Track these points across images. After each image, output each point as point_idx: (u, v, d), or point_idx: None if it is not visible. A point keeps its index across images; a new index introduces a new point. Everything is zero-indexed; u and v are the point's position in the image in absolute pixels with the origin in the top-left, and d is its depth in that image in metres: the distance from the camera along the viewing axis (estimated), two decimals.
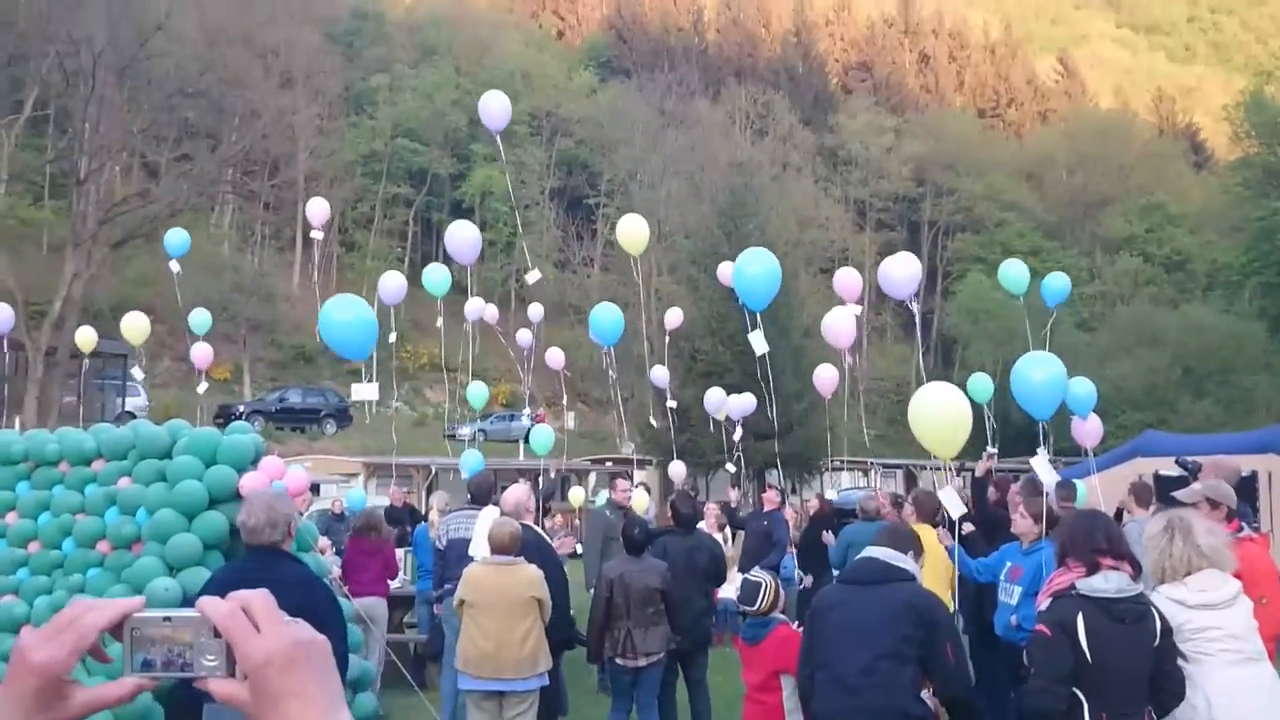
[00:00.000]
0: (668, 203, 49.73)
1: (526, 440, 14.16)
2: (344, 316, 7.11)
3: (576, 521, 18.77)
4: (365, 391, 8.11)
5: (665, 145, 53.29)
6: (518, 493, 7.55)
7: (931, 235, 64.77)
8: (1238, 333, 45.90)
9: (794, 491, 34.54)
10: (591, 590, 8.61)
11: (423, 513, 16.57)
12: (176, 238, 14.46)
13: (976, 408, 8.30)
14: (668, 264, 48.49)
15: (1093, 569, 4.16)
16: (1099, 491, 10.04)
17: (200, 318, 14.70)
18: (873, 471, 38.39)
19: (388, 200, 55.35)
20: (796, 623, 5.84)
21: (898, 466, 39.93)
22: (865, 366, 60.18)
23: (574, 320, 52.56)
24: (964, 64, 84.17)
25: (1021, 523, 6.84)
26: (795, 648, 4.98)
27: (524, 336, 16.42)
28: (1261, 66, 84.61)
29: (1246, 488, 11.08)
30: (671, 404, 16.42)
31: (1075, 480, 9.68)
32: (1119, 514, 8.83)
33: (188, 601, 4.04)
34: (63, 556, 7.24)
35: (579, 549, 12.00)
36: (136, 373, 18.64)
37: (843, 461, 38.41)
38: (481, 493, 8.68)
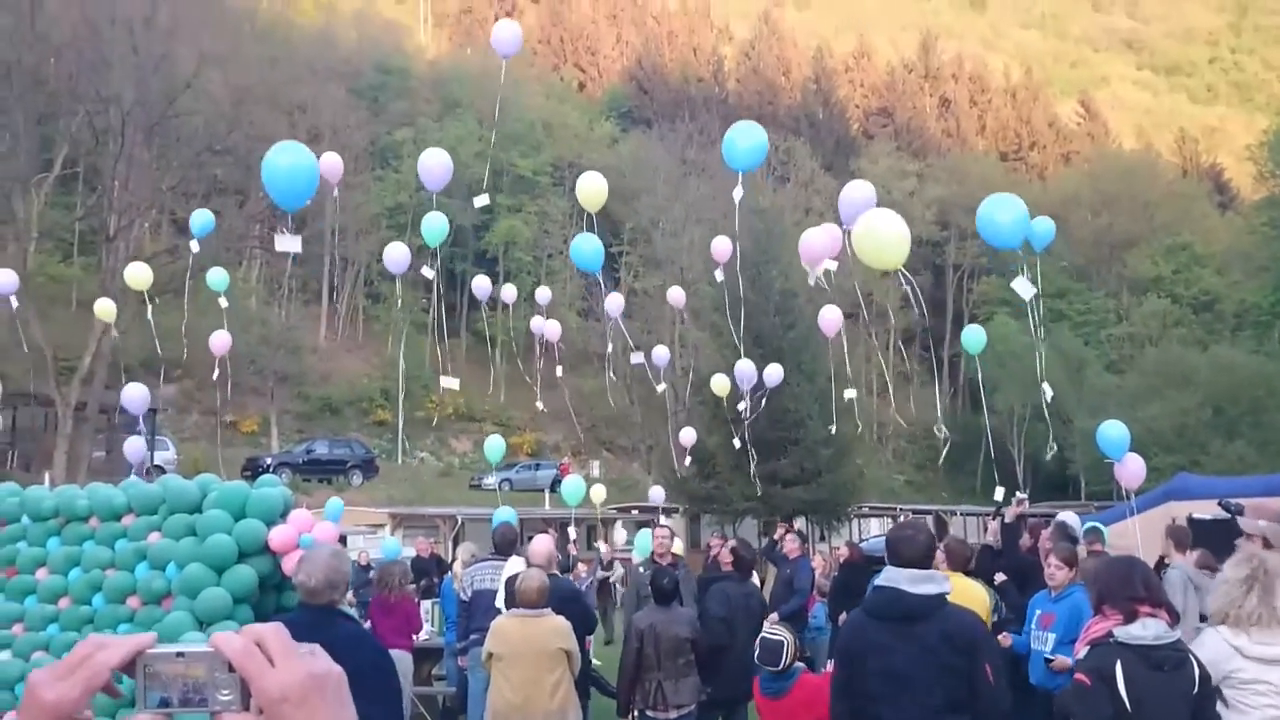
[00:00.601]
0: (690, 250, 49.89)
1: (553, 489, 14.16)
2: (284, 160, 7.13)
3: (600, 570, 18.68)
4: (288, 243, 7.82)
5: (687, 193, 53.57)
6: (546, 543, 7.53)
7: (956, 279, 64.69)
8: (1268, 372, 45.50)
9: (822, 539, 34.27)
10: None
11: (450, 563, 16.54)
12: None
13: (970, 360, 8.77)
14: (691, 310, 48.57)
15: (1130, 617, 4.09)
16: (1138, 536, 9.88)
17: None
18: (901, 518, 38.02)
19: (412, 252, 55.72)
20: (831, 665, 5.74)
21: (927, 512, 39.56)
22: (892, 412, 59.95)
23: (597, 369, 52.72)
24: (985, 108, 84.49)
25: (1058, 574, 6.77)
26: (826, 696, 4.87)
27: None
28: None
29: None
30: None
31: (1102, 524, 9.56)
32: (1160, 561, 8.69)
33: None
34: (93, 612, 7.24)
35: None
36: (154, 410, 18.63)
37: (871, 508, 38.13)
38: (505, 544, 8.66)
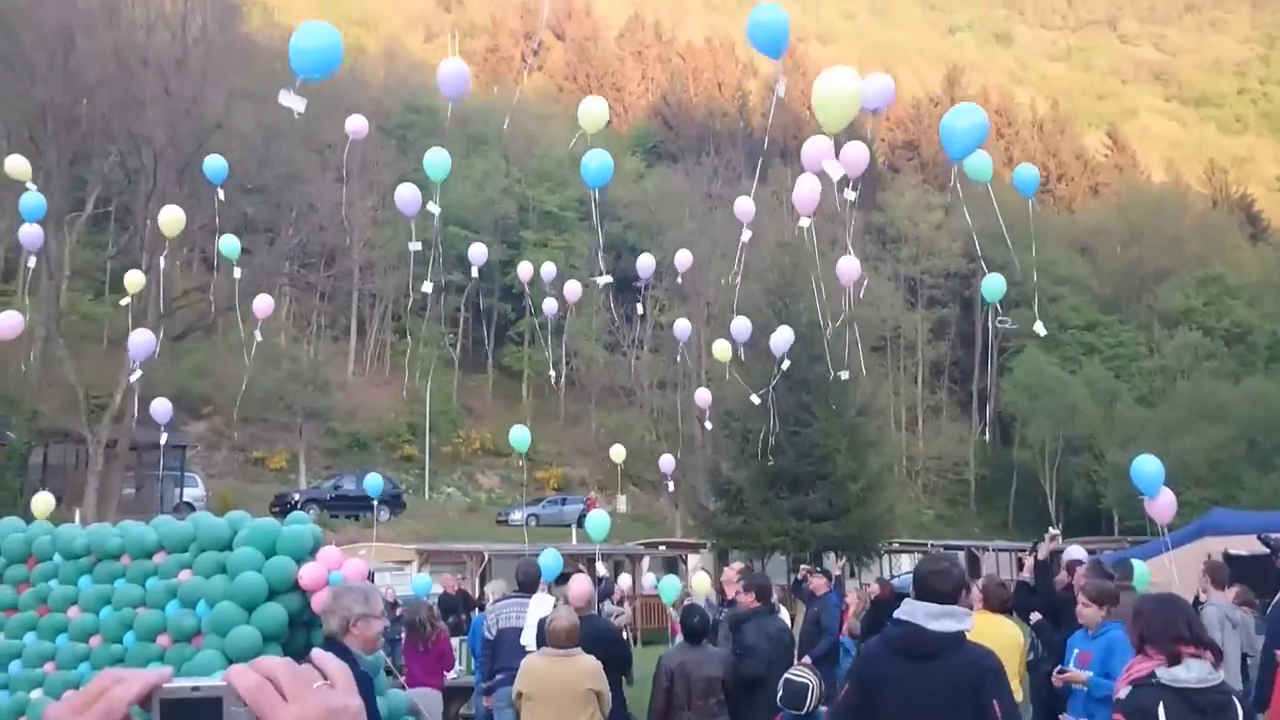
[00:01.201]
0: (716, 284, 49.94)
1: (580, 524, 14.10)
2: (313, 29, 7.41)
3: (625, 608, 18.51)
4: (292, 100, 7.74)
5: (713, 228, 53.68)
6: (585, 584, 7.48)
7: (985, 311, 64.37)
8: None
9: (852, 575, 33.86)
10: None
11: (476, 599, 16.50)
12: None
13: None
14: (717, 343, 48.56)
15: (1174, 658, 4.01)
16: (1173, 572, 9.72)
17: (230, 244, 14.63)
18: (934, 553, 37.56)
19: (439, 287, 56.06)
20: None
21: (959, 547, 39.18)
22: (921, 446, 59.60)
23: (624, 402, 52.69)
24: (1012, 140, 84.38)
25: (1086, 611, 6.66)
26: None
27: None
28: None
29: None
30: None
31: (1135, 560, 9.40)
32: (1197, 599, 8.57)
33: None
34: (124, 651, 7.25)
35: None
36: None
37: (901, 543, 37.75)
38: (529, 581, 8.61)
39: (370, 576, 15.67)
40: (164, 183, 32.67)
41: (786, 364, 16.29)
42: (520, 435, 15.71)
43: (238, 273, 14.92)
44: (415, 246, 13.03)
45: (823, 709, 5.54)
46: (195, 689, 1.06)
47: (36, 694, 7.28)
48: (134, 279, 15.24)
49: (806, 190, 10.28)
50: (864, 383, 38.59)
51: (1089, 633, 6.67)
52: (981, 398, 62.90)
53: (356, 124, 13.04)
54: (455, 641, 12.00)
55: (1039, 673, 7.32)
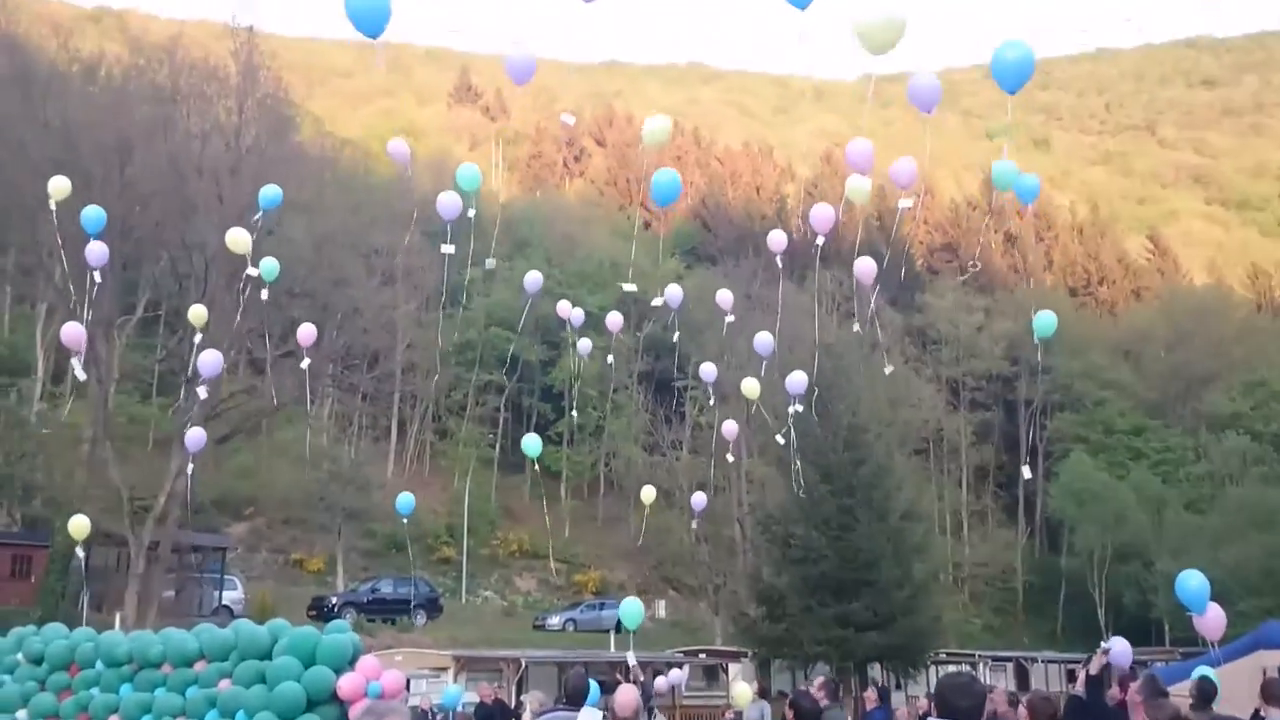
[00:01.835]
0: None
1: (618, 630, 13.86)
2: None
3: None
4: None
5: (751, 328, 53.84)
6: (632, 695, 7.35)
7: (1029, 415, 63.76)
8: None
9: (898, 687, 32.98)
10: None
11: (512, 708, 16.24)
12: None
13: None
14: (757, 446, 48.25)
15: None
16: (1226, 688, 9.41)
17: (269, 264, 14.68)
18: (981, 665, 36.59)
19: (480, 387, 56.46)
20: None
21: (1007, 659, 38.17)
22: (967, 552, 58.55)
23: (664, 505, 52.33)
24: (1052, 243, 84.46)
25: None
26: None
27: None
28: None
29: None
30: None
31: (1207, 670, 9.09)
32: (1255, 716, 8.27)
33: None
34: None
35: None
36: None
37: (949, 654, 36.80)
38: (577, 693, 8.48)
39: (407, 684, 15.52)
40: (214, 288, 33.26)
41: (799, 407, 16.24)
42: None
43: (264, 285, 14.98)
44: (448, 250, 13.07)
45: None
46: None
47: None
48: (198, 312, 15.62)
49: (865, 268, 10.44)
50: (907, 486, 38.19)
51: None
52: (1028, 503, 61.95)
53: (398, 146, 13.45)
54: None
55: None
